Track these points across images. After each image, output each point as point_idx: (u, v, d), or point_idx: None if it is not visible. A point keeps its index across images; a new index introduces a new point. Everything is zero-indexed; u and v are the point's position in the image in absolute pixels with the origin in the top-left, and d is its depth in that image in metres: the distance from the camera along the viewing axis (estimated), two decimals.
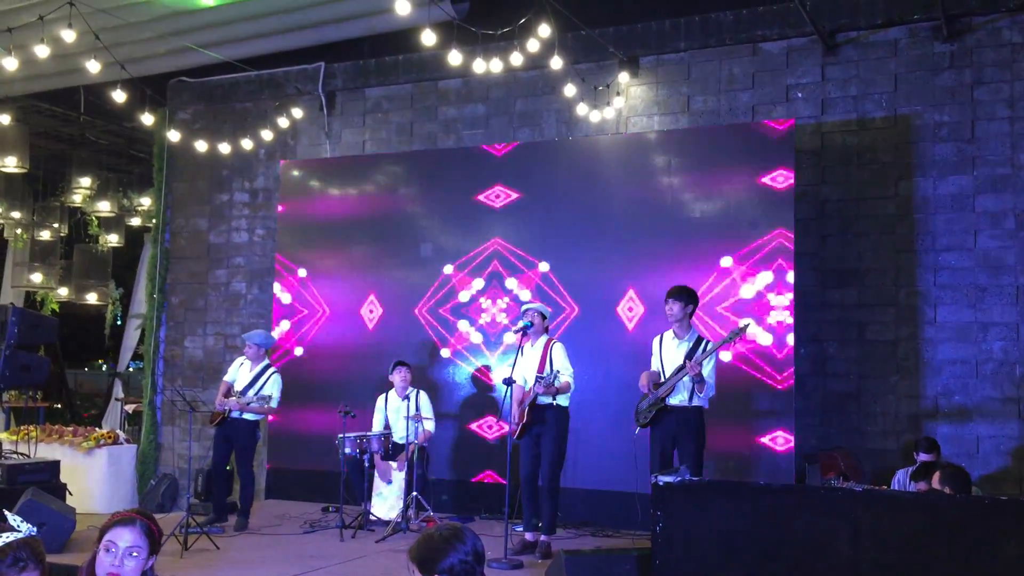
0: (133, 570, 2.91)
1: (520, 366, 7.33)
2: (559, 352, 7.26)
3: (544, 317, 7.43)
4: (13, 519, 2.77)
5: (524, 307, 7.51)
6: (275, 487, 9.73)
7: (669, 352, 6.98)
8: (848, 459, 7.82)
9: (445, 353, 9.10)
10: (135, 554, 2.91)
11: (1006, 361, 7.77)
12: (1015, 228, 7.83)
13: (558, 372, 7.04)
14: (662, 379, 6.92)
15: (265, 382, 8.38)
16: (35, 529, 2.80)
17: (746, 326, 6.87)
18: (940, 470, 5.74)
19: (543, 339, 7.36)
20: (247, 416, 8.37)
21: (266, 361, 8.58)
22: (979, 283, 7.90)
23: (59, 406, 13.27)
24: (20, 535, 2.71)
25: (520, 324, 7.30)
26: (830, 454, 7.90)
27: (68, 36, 7.56)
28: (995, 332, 7.83)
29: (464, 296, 9.06)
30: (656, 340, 7.16)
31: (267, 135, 10.26)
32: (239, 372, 8.53)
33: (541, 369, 7.15)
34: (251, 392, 8.28)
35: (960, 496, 5.33)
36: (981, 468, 7.63)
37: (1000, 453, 7.72)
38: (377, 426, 8.60)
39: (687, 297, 7.00)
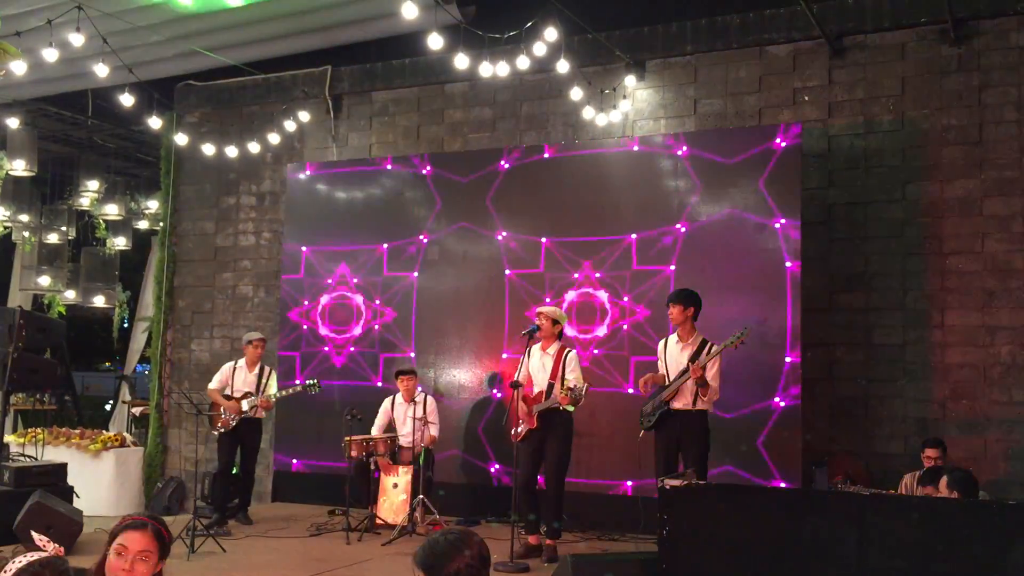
0: (143, 574, 2.92)
1: (527, 369, 7.31)
2: (573, 361, 7.19)
3: (556, 322, 7.35)
4: (40, 540, 2.78)
5: (537, 310, 7.47)
6: (281, 490, 9.75)
7: (673, 356, 6.97)
8: (855, 463, 7.80)
9: (449, 356, 9.11)
10: (145, 558, 2.92)
11: (1014, 365, 7.74)
12: (1023, 232, 7.80)
13: (587, 385, 6.98)
14: (667, 383, 6.91)
15: (268, 378, 8.62)
16: (63, 549, 2.80)
17: (747, 331, 6.81)
18: (947, 474, 5.72)
19: (556, 345, 7.30)
20: (257, 415, 8.52)
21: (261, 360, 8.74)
22: (987, 287, 7.88)
23: (54, 408, 13.24)
24: (44, 554, 2.71)
25: (530, 327, 7.28)
26: (837, 458, 7.88)
27: (76, 40, 7.59)
28: (1003, 336, 7.80)
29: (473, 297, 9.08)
30: (661, 344, 7.15)
31: (274, 138, 10.28)
32: (236, 376, 8.57)
33: (554, 376, 7.11)
34: (267, 391, 8.50)
35: (968, 500, 5.31)
36: (989, 473, 7.59)
37: (1008, 457, 7.69)
38: (378, 426, 8.61)
39: (687, 300, 6.97)
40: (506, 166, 9.02)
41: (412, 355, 9.20)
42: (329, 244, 9.73)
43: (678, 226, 8.30)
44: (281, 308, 9.99)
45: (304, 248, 9.82)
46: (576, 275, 8.62)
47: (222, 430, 8.41)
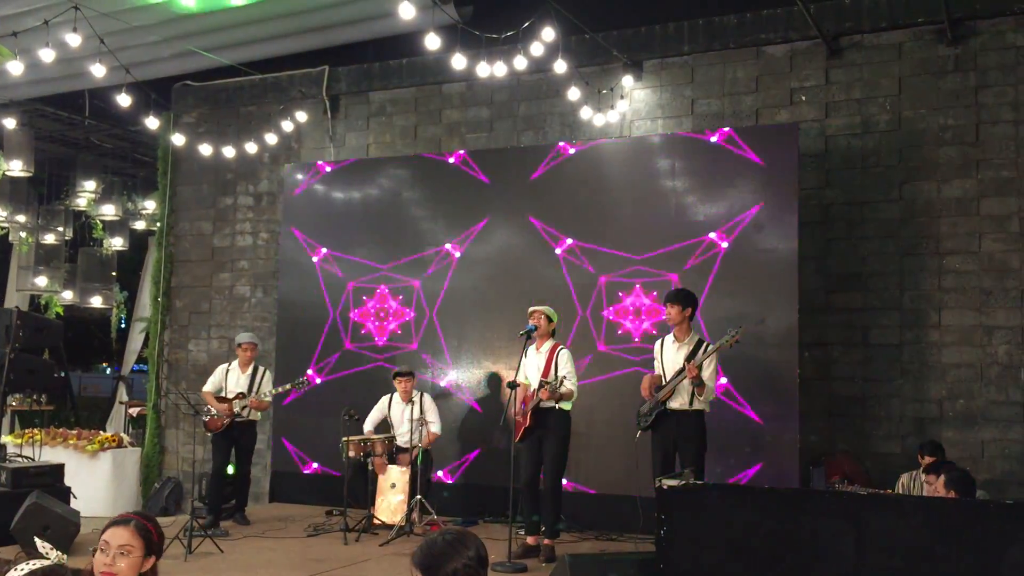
0: (126, 569, 2.89)
1: (524, 369, 7.32)
2: (565, 358, 7.21)
3: (551, 320, 7.39)
4: (43, 547, 2.77)
5: (531, 309, 7.48)
6: (279, 490, 9.74)
7: (669, 355, 6.97)
8: (852, 463, 7.81)
9: (449, 355, 9.11)
10: (127, 553, 2.90)
11: (1011, 365, 7.75)
12: (1020, 231, 7.81)
13: (563, 378, 7.02)
14: (664, 383, 6.91)
15: (262, 379, 8.55)
16: (66, 557, 2.79)
17: (741, 330, 6.78)
18: (945, 474, 5.73)
19: (550, 343, 7.33)
20: (252, 417, 8.49)
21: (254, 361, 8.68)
22: (984, 286, 7.89)
23: (53, 408, 13.21)
24: (47, 563, 2.70)
25: (527, 327, 7.29)
26: (835, 458, 7.89)
27: (73, 40, 7.58)
28: (1000, 335, 7.81)
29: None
30: (657, 344, 7.15)
31: (271, 139, 10.27)
32: (229, 378, 8.52)
33: (546, 374, 7.13)
34: (261, 391, 8.42)
35: (965, 500, 5.32)
36: (986, 472, 7.61)
37: (1005, 457, 7.70)
38: (371, 421, 8.59)
39: (684, 300, 6.98)
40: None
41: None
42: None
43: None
44: (280, 309, 9.98)
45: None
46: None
47: (214, 432, 8.37)
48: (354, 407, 8.28)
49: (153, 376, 11.08)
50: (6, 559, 2.69)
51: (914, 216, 8.15)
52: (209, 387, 8.57)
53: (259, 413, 8.64)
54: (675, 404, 6.82)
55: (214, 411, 8.33)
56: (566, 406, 7.17)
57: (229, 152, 10.34)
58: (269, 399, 8.55)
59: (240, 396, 8.38)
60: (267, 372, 8.72)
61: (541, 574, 6.59)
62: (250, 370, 8.55)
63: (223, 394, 8.46)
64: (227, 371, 8.60)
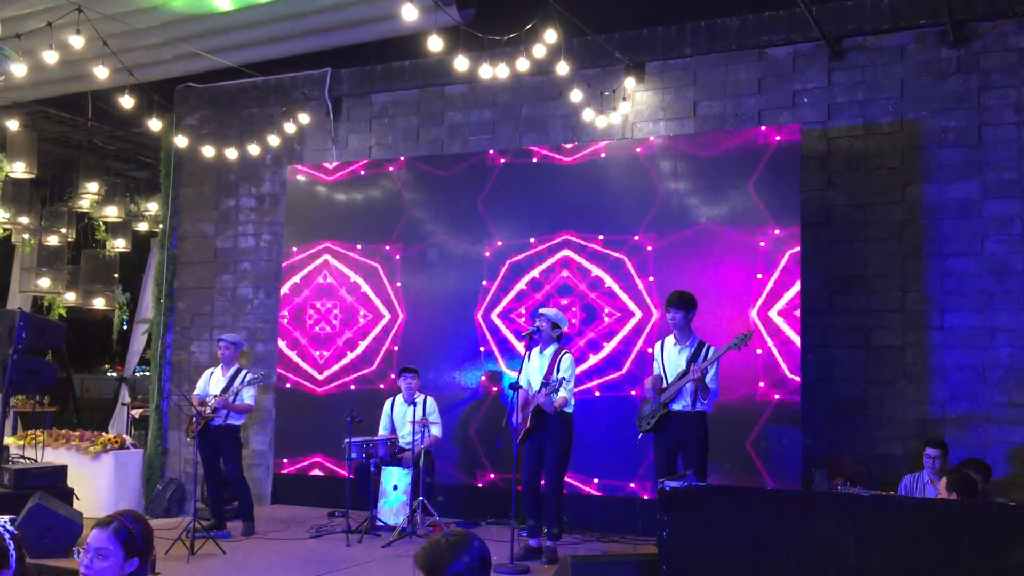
0: (104, 571, 2.89)
1: (526, 371, 7.33)
2: (566, 363, 7.24)
3: (556, 326, 7.39)
4: None
5: (540, 311, 7.50)
6: (281, 492, 9.74)
7: (670, 357, 6.98)
8: (855, 465, 7.80)
9: (453, 358, 9.12)
10: (103, 555, 2.90)
11: (1013, 367, 7.74)
12: (1022, 233, 7.81)
13: (563, 379, 7.02)
14: (665, 384, 6.91)
15: (242, 381, 8.17)
16: (10, 528, 2.80)
17: (751, 333, 6.85)
18: (947, 476, 5.72)
19: (553, 347, 7.35)
20: (230, 421, 8.18)
21: (237, 364, 8.44)
22: (987, 288, 7.88)
23: (56, 409, 13.17)
24: None
25: (530, 329, 7.31)
26: (837, 459, 7.89)
27: (76, 42, 7.60)
28: (1003, 338, 7.81)
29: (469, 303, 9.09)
30: (657, 346, 7.16)
31: (274, 140, 10.28)
32: (211, 381, 8.36)
33: (548, 377, 7.14)
34: (227, 393, 8.14)
35: (967, 502, 5.31)
36: None
37: (1008, 459, 7.69)
38: (383, 430, 8.62)
39: (688, 304, 7.00)
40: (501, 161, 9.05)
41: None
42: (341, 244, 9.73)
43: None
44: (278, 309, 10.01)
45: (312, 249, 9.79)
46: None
47: (191, 436, 8.19)
48: (355, 409, 8.27)
49: (155, 378, 11.08)
50: None
51: (917, 218, 8.14)
52: (196, 391, 8.40)
53: (241, 417, 8.31)
54: (678, 406, 6.83)
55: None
56: (567, 408, 7.17)
57: (232, 154, 10.35)
58: (246, 400, 8.13)
59: (213, 398, 8.23)
60: (247, 374, 8.20)
61: None
62: (231, 371, 8.28)
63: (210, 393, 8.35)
64: (211, 373, 8.45)
